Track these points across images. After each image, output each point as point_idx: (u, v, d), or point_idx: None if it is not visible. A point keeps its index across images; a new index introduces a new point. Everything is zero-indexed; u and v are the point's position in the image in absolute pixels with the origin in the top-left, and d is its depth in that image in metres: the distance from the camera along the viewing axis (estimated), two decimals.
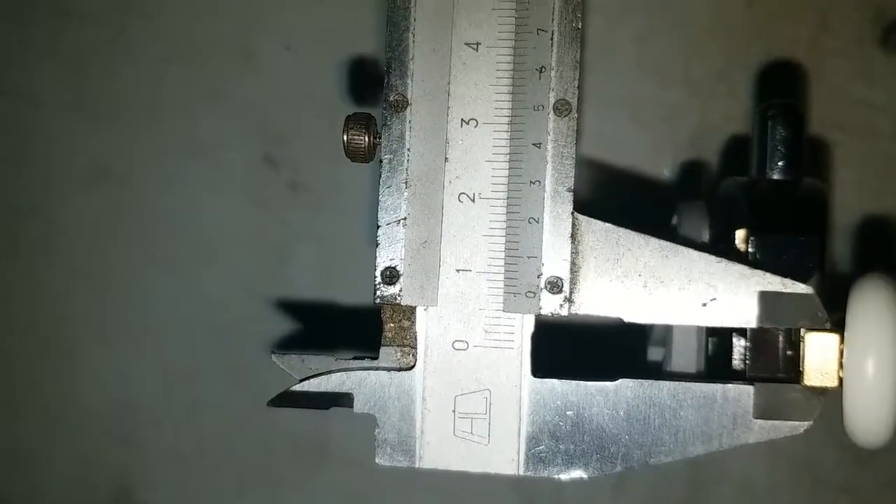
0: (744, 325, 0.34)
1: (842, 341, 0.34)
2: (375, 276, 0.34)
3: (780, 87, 0.54)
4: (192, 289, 0.57)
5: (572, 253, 0.34)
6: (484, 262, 0.35)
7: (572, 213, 0.34)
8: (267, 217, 0.57)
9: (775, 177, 0.38)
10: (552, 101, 0.34)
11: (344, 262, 0.56)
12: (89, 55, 0.57)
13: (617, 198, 0.54)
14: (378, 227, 0.34)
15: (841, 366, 0.34)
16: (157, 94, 0.57)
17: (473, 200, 0.35)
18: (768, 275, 0.34)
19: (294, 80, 0.56)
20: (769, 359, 0.35)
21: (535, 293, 0.34)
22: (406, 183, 0.34)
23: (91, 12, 0.57)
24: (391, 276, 0.34)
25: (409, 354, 0.35)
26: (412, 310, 0.35)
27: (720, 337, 0.38)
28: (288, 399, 0.35)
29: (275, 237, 0.57)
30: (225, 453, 0.57)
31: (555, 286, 0.34)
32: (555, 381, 0.35)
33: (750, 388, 0.34)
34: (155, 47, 0.57)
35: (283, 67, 0.56)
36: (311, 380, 0.35)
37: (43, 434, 0.58)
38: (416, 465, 0.35)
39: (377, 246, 0.34)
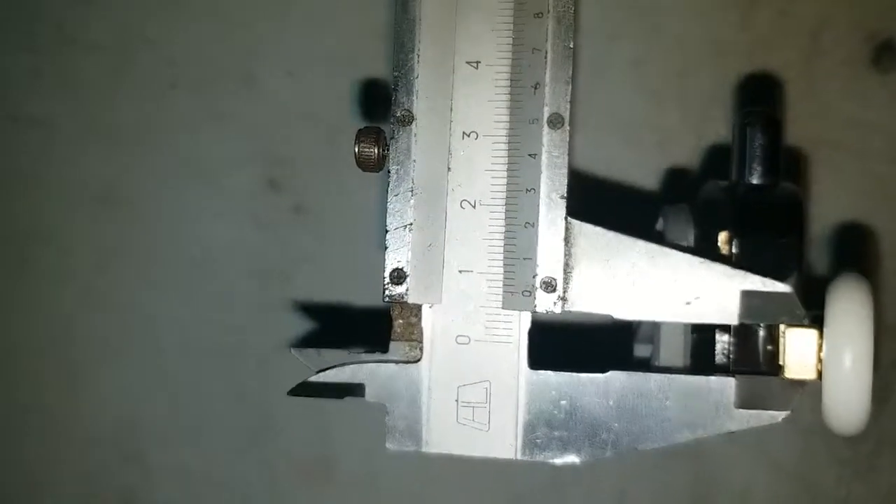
0: (726, 322, 0.36)
1: (820, 336, 0.36)
2: (384, 277, 0.37)
3: (759, 96, 0.54)
4: (197, 309, 0.57)
5: (565, 255, 0.36)
6: (484, 264, 0.37)
7: (565, 218, 0.36)
8: (271, 239, 0.57)
9: (754, 181, 0.40)
10: (546, 114, 0.36)
11: (346, 282, 0.56)
12: (96, 82, 0.57)
13: (607, 203, 0.54)
14: (386, 231, 0.37)
15: (819, 359, 0.36)
16: (163, 119, 0.57)
17: (474, 207, 0.37)
18: (749, 274, 0.36)
19: (296, 104, 0.56)
20: (751, 353, 0.37)
21: (531, 292, 0.36)
22: (412, 191, 0.37)
23: (97, 40, 0.57)
24: (399, 276, 0.37)
25: (416, 348, 0.37)
26: (419, 307, 0.37)
27: (704, 333, 0.39)
28: (305, 389, 0.37)
29: (279, 259, 0.57)
30: (229, 472, 0.57)
31: (549, 286, 0.36)
32: (550, 372, 0.37)
33: (732, 380, 0.36)
34: (160, 73, 0.57)
35: (285, 92, 0.56)
36: (327, 371, 0.37)
37: (49, 452, 0.58)
38: (423, 450, 0.37)
39: (385, 249, 0.37)
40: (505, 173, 0.37)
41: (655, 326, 0.41)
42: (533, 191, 0.36)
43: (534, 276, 0.36)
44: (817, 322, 0.36)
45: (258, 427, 0.57)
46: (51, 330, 0.58)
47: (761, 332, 0.37)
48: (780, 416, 0.36)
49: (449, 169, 0.37)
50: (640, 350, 0.46)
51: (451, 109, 0.37)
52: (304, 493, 0.58)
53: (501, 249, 0.37)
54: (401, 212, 0.37)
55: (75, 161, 0.58)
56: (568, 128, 0.36)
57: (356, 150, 0.37)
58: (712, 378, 0.37)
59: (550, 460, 0.37)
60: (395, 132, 0.37)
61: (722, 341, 0.38)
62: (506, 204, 0.37)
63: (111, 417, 0.58)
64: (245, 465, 0.57)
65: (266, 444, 0.57)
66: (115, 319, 0.58)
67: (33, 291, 0.58)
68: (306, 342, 0.56)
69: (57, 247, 0.58)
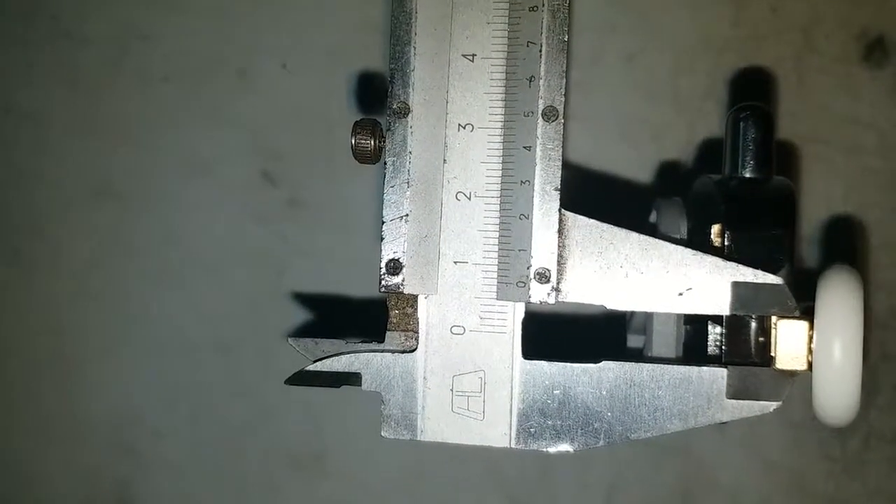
0: (718, 313, 0.37)
1: (811, 328, 0.36)
2: (380, 268, 0.37)
3: (752, 91, 0.54)
4: (192, 303, 0.57)
5: (559, 246, 0.37)
6: (479, 255, 0.37)
7: (559, 210, 0.36)
8: (266, 232, 0.57)
9: (747, 174, 0.40)
10: (541, 107, 0.37)
11: (341, 274, 0.56)
12: (91, 75, 0.57)
13: (601, 196, 0.54)
14: (383, 222, 0.37)
15: (810, 350, 0.36)
16: (158, 113, 0.57)
17: (469, 198, 0.37)
18: (741, 266, 0.36)
19: (290, 98, 0.57)
20: (743, 344, 0.38)
21: (525, 283, 0.36)
22: (408, 183, 0.37)
23: (92, 34, 0.57)
24: (395, 267, 0.37)
25: (411, 338, 0.38)
26: (414, 298, 0.38)
27: (696, 324, 0.40)
28: (302, 378, 0.38)
29: (274, 252, 0.57)
30: (225, 465, 0.58)
31: (543, 277, 0.36)
32: (543, 362, 0.37)
33: (723, 371, 0.37)
34: (155, 68, 0.57)
35: (279, 86, 0.57)
36: (324, 360, 0.38)
37: (45, 446, 0.58)
38: (418, 438, 0.37)
39: (382, 240, 0.37)
40: (500, 165, 0.37)
41: (648, 317, 0.42)
42: (527, 183, 0.37)
43: (528, 267, 0.37)
44: (808, 314, 0.36)
45: (253, 420, 0.57)
46: (45, 323, 0.58)
47: (753, 324, 0.38)
48: (771, 406, 0.37)
49: (444, 161, 0.37)
50: (633, 341, 0.47)
51: (447, 102, 0.37)
52: (299, 485, 0.58)
53: (496, 241, 0.37)
54: (397, 203, 0.37)
55: (69, 154, 0.58)
56: (562, 120, 0.37)
57: (353, 141, 0.37)
58: (704, 368, 0.37)
59: (544, 449, 0.37)
60: (392, 124, 0.37)
61: (714, 332, 0.39)
62: (501, 196, 0.37)
63: (106, 411, 0.58)
64: (240, 457, 0.58)
65: (261, 437, 0.57)
66: (110, 313, 0.58)
67: (27, 285, 0.58)
68: (303, 334, 0.56)
69: (51, 240, 0.58)
